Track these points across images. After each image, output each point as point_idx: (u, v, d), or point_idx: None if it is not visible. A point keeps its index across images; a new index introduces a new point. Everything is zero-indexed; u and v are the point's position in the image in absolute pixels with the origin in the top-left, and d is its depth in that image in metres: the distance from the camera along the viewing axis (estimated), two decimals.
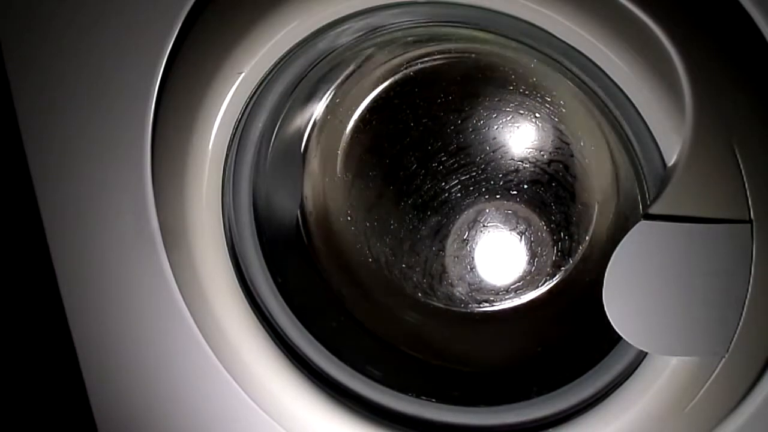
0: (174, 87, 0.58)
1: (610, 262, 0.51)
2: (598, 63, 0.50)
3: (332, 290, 0.75)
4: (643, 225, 0.49)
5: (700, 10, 0.49)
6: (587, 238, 0.73)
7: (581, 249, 0.74)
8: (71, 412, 0.77)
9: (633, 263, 0.50)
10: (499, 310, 0.76)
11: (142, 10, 0.58)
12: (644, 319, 0.51)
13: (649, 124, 0.50)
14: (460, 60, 0.72)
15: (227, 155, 0.59)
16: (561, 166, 0.73)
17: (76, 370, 0.71)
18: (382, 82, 0.73)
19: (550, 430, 0.59)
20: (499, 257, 0.76)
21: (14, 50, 0.62)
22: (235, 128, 0.58)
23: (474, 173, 0.74)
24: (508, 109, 0.73)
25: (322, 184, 0.76)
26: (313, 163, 0.75)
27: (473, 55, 0.71)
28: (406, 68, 0.73)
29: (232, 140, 0.59)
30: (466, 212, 0.75)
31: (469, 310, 0.76)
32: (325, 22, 0.54)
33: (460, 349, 0.75)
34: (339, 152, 0.75)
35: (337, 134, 0.75)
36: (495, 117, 0.73)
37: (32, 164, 0.65)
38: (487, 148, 0.73)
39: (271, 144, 0.67)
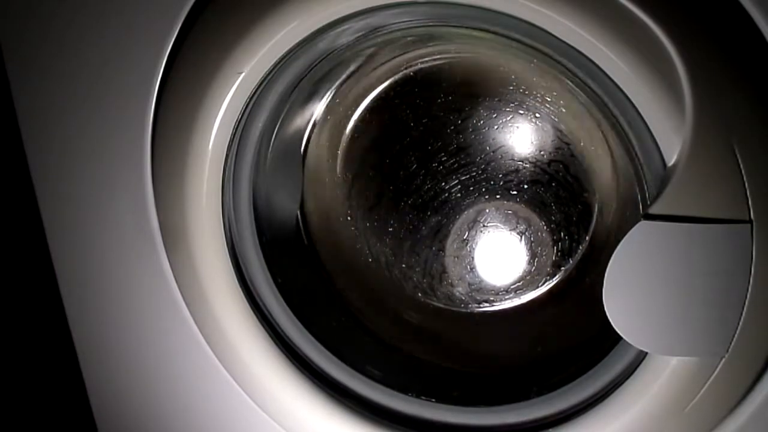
0: (174, 87, 0.58)
1: (610, 262, 0.51)
2: (598, 63, 0.50)
3: (332, 290, 0.75)
4: (643, 225, 0.49)
5: (700, 10, 0.49)
6: (587, 238, 0.73)
7: (581, 249, 0.74)
8: (71, 412, 0.77)
9: (633, 263, 0.50)
10: (499, 310, 0.76)
11: (142, 10, 0.58)
12: (644, 319, 0.51)
13: (649, 124, 0.50)
14: (460, 60, 0.72)
15: (227, 155, 0.59)
16: (561, 166, 0.72)
17: (76, 370, 0.71)
18: (382, 82, 0.73)
19: (550, 430, 0.59)
20: (499, 257, 0.76)
21: (14, 50, 0.62)
22: (235, 128, 0.58)
23: (474, 173, 0.74)
24: (508, 109, 0.73)
25: (322, 184, 0.76)
26: (313, 163, 0.75)
27: (473, 55, 0.71)
28: (406, 68, 0.73)
29: (232, 140, 0.59)
30: (466, 212, 0.75)
31: (469, 310, 0.76)
32: (325, 22, 0.54)
33: (460, 349, 0.75)
34: (339, 152, 0.75)
35: (337, 134, 0.75)
36: (495, 117, 0.73)
37: (32, 164, 0.65)
38: (487, 148, 0.73)
39: (271, 144, 0.67)
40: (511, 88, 0.72)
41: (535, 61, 0.67)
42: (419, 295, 0.77)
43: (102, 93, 0.61)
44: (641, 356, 0.54)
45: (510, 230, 0.75)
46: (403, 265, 0.77)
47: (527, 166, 0.73)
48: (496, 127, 0.73)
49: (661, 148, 0.50)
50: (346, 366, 0.65)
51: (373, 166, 0.75)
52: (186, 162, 0.58)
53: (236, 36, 0.55)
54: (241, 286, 0.62)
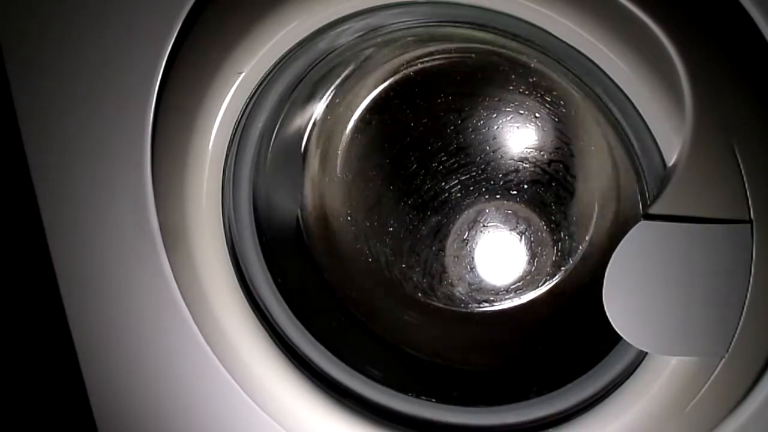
0: (174, 87, 0.58)
1: (610, 262, 0.51)
2: (598, 63, 0.50)
3: (332, 290, 0.75)
4: (643, 225, 0.49)
5: (700, 10, 0.49)
6: (587, 238, 0.73)
7: (581, 249, 0.74)
8: (71, 412, 0.77)
9: (633, 263, 0.50)
10: (499, 310, 0.76)
11: (142, 10, 0.58)
12: (644, 319, 0.51)
13: (649, 124, 0.50)
14: (460, 60, 0.72)
15: (227, 155, 0.59)
16: (561, 166, 0.72)
17: (76, 370, 0.71)
18: (382, 82, 0.73)
19: (550, 430, 0.59)
20: (499, 257, 0.76)
21: (14, 50, 0.62)
22: (235, 128, 0.58)
23: (474, 173, 0.74)
24: (508, 109, 0.73)
25: (322, 184, 0.76)
26: (313, 163, 0.75)
27: (473, 55, 0.71)
28: (406, 68, 0.73)
29: (232, 140, 0.59)
30: (466, 212, 0.75)
31: (469, 310, 0.76)
32: (325, 22, 0.54)
33: (460, 349, 0.75)
34: (339, 152, 0.75)
35: (337, 134, 0.75)
36: (495, 117, 0.73)
37: (32, 164, 0.65)
38: (487, 148, 0.73)
39: (271, 144, 0.67)
40: (511, 88, 0.72)
41: (535, 61, 0.67)
42: (419, 295, 0.77)
43: (102, 93, 0.61)
44: (641, 356, 0.54)
45: (510, 230, 0.75)
46: (403, 265, 0.77)
47: (527, 166, 0.73)
48: (496, 127, 0.73)
49: (661, 148, 0.50)
50: (346, 366, 0.65)
51: (373, 166, 0.75)
52: (186, 162, 0.58)
53: (236, 36, 0.55)
54: (241, 286, 0.62)
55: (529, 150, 0.73)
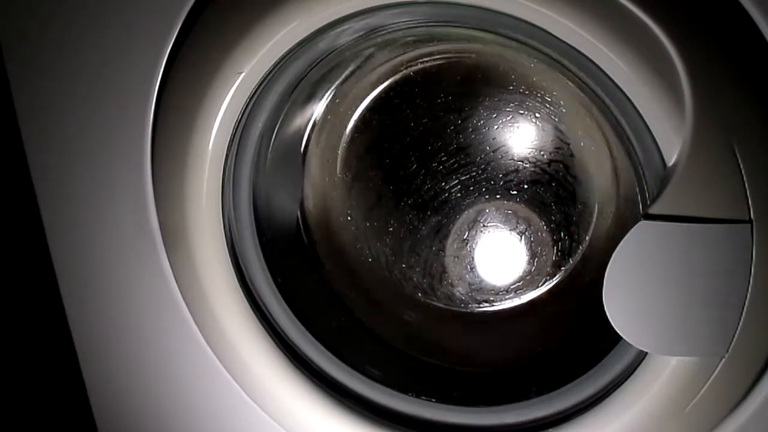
0: (174, 87, 0.58)
1: (610, 262, 0.51)
2: (598, 63, 0.50)
3: (332, 290, 0.75)
4: (643, 225, 0.49)
5: (700, 10, 0.49)
6: (587, 238, 0.73)
7: (581, 249, 0.74)
8: (71, 412, 0.77)
9: (633, 263, 0.50)
10: (499, 310, 0.76)
11: (142, 10, 0.58)
12: (644, 319, 0.51)
13: (649, 124, 0.50)
14: (460, 60, 0.72)
15: (227, 155, 0.59)
16: (561, 166, 0.72)
17: (76, 370, 0.71)
18: (382, 82, 0.73)
19: (550, 430, 0.59)
20: (499, 257, 0.76)
21: (14, 50, 0.62)
22: (235, 128, 0.58)
23: (474, 173, 0.74)
24: (508, 109, 0.73)
25: (322, 184, 0.76)
26: (313, 163, 0.75)
27: (473, 55, 0.71)
28: (406, 68, 0.73)
29: (232, 140, 0.59)
30: (466, 212, 0.75)
31: (469, 310, 0.76)
32: (325, 22, 0.54)
33: (460, 349, 0.75)
34: (339, 152, 0.75)
35: (337, 134, 0.75)
36: (495, 117, 0.73)
37: (32, 164, 0.65)
38: (487, 148, 0.73)
39: (271, 144, 0.67)
40: (511, 88, 0.72)
41: (535, 61, 0.67)
42: (419, 295, 0.77)
43: (102, 93, 0.61)
44: (641, 356, 0.54)
45: (510, 230, 0.75)
46: (403, 265, 0.77)
47: (527, 166, 0.73)
48: (496, 127, 0.73)
49: (661, 148, 0.50)
50: (346, 366, 0.65)
51: (373, 166, 0.75)
52: (186, 162, 0.58)
53: (236, 36, 0.55)
54: (241, 286, 0.62)
55: (529, 150, 0.73)
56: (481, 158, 0.74)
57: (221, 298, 0.61)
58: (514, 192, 0.74)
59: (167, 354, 0.67)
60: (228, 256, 0.61)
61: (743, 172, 0.48)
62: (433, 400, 0.65)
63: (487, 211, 0.75)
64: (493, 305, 0.76)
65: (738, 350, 0.50)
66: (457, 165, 0.74)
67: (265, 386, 0.63)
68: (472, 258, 0.76)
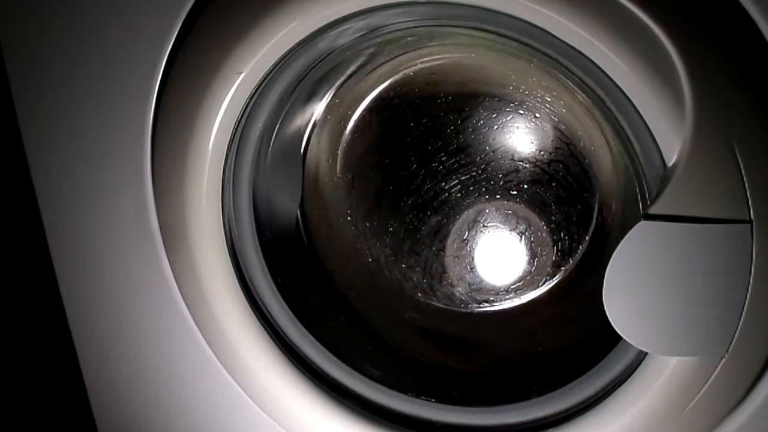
0: (174, 87, 0.58)
1: (610, 262, 0.51)
2: (598, 63, 0.50)
3: (332, 290, 0.75)
4: (643, 225, 0.49)
5: (700, 10, 0.49)
6: (587, 238, 0.73)
7: (581, 249, 0.74)
8: (71, 412, 0.77)
9: (633, 263, 0.50)
10: (499, 310, 0.76)
11: (142, 10, 0.58)
12: (644, 319, 0.51)
13: (649, 124, 0.50)
14: (460, 60, 0.72)
15: (227, 155, 0.59)
16: (561, 166, 0.73)
17: (76, 370, 0.71)
18: (382, 82, 0.73)
19: (550, 430, 0.59)
20: (499, 257, 0.76)
21: (14, 50, 0.62)
22: (235, 128, 0.58)
23: (474, 173, 0.74)
24: (508, 109, 0.73)
25: (323, 184, 0.76)
26: (313, 163, 0.75)
27: (473, 55, 0.71)
28: (406, 68, 0.73)
29: (232, 140, 0.59)
30: (466, 212, 0.75)
31: (469, 310, 0.76)
32: (325, 22, 0.54)
33: (460, 349, 0.75)
34: (339, 152, 0.75)
35: (337, 134, 0.75)
36: (495, 117, 0.73)
37: (32, 164, 0.65)
38: (487, 148, 0.73)
39: (271, 144, 0.67)
40: (511, 88, 0.72)
41: (535, 61, 0.67)
42: (419, 295, 0.77)
43: (102, 93, 0.61)
44: (641, 356, 0.54)
45: (510, 230, 0.75)
46: (403, 265, 0.77)
47: (527, 166, 0.73)
48: (496, 127, 0.73)
49: (661, 148, 0.50)
50: (346, 366, 0.65)
51: (373, 166, 0.75)
52: (186, 162, 0.58)
53: (236, 36, 0.55)
54: (241, 286, 0.62)
55: (529, 150, 0.73)
56: (481, 158, 0.74)
57: (221, 298, 0.61)
58: (514, 192, 0.74)
59: (167, 354, 0.67)
60: (228, 256, 0.61)
61: (743, 172, 0.48)
62: (433, 400, 0.65)
63: (487, 211, 0.75)
64: (493, 305, 0.76)
65: (738, 350, 0.50)
66: (457, 165, 0.74)
67: (265, 386, 0.63)
68: (472, 258, 0.76)
